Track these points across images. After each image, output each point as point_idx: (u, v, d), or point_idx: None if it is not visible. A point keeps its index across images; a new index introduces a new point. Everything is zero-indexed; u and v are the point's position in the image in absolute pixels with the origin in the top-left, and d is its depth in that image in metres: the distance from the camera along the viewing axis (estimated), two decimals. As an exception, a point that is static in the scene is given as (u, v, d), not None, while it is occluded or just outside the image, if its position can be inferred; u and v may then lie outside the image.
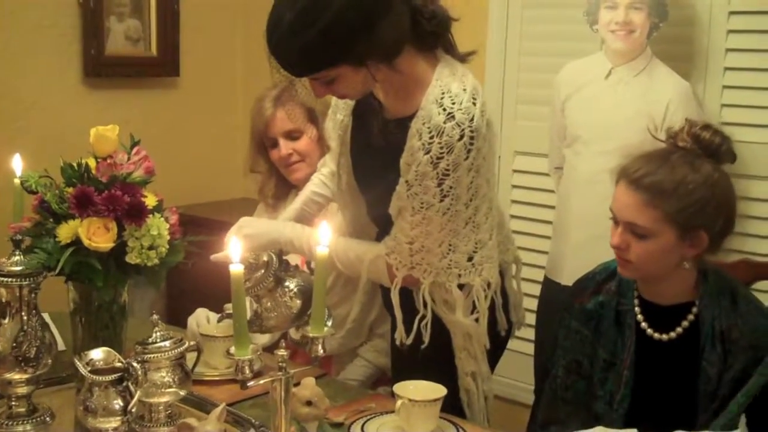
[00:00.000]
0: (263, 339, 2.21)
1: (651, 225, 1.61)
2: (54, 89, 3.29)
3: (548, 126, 2.68)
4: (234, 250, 1.25)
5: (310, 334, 1.34)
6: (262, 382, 1.29)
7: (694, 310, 1.68)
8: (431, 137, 1.64)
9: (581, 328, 1.78)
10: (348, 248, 1.80)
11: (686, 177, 1.60)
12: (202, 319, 1.98)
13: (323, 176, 2.04)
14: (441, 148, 1.64)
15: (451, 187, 1.67)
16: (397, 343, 1.78)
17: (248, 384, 1.28)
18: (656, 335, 1.71)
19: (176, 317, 1.98)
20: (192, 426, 1.23)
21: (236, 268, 1.24)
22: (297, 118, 2.25)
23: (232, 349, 1.27)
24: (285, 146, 2.24)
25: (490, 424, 1.83)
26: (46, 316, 1.67)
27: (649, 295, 1.72)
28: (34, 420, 1.60)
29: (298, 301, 1.76)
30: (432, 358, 1.76)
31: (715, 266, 1.73)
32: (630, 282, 1.74)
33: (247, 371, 1.27)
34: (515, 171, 2.99)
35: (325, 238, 1.33)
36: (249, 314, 1.80)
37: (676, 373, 1.69)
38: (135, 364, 1.47)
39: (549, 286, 2.49)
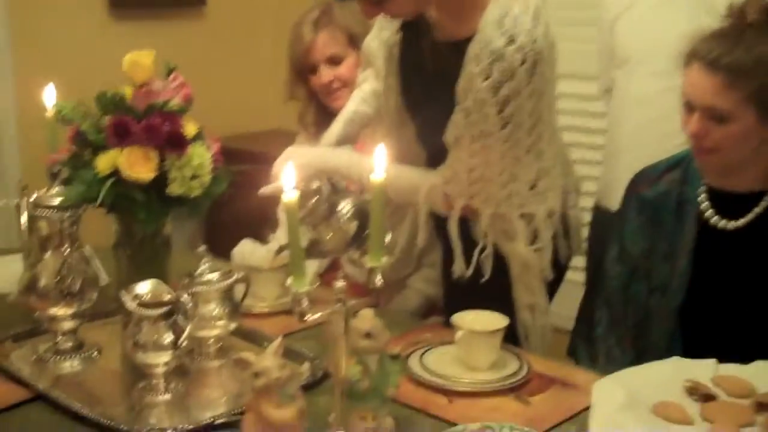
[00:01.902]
0: (313, 266, 2.15)
1: (732, 107, 1.53)
2: (79, 22, 3.21)
3: (595, 48, 2.56)
4: (287, 179, 1.16)
5: (368, 265, 1.27)
6: (319, 316, 1.22)
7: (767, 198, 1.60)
8: (491, 63, 1.54)
9: (636, 216, 1.72)
10: (400, 176, 1.70)
11: (765, 54, 1.52)
12: (248, 250, 1.91)
13: (364, 93, 1.95)
14: (501, 74, 1.54)
15: (512, 115, 1.58)
16: (455, 275, 1.71)
17: (306, 318, 1.21)
18: (721, 224, 1.63)
19: (215, 250, 1.92)
20: (249, 361, 1.17)
21: (290, 197, 1.16)
22: (338, 42, 2.15)
23: (289, 281, 1.20)
24: (326, 72, 2.15)
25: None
26: (88, 250, 1.62)
27: (720, 182, 1.64)
28: (81, 355, 1.57)
29: (354, 223, 1.72)
30: (487, 289, 1.70)
31: None
32: (697, 170, 1.67)
33: (306, 304, 1.20)
34: (559, 95, 2.85)
35: (381, 163, 1.24)
36: (305, 243, 1.75)
37: (743, 266, 1.61)
38: (185, 297, 1.41)
39: (600, 213, 2.40)
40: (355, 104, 1.96)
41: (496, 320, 1.53)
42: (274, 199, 2.27)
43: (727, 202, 1.63)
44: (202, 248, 1.55)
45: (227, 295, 1.55)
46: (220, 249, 2.03)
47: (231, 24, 3.60)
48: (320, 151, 1.85)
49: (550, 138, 1.68)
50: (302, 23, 2.18)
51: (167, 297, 1.42)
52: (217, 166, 1.67)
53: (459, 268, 1.72)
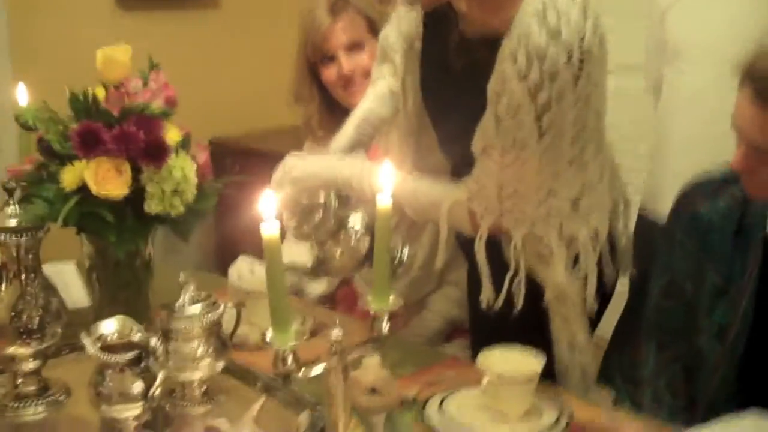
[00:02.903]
0: (320, 288, 1.93)
1: None
2: (86, 15, 3.01)
3: (644, 40, 2.32)
4: (266, 206, 0.94)
5: (372, 308, 1.04)
6: (312, 373, 0.99)
7: None
8: (529, 61, 1.30)
9: (687, 241, 1.46)
10: (419, 191, 1.49)
11: None
12: (244, 270, 1.69)
13: (380, 92, 1.72)
14: (542, 74, 1.30)
15: (552, 122, 1.33)
16: (483, 305, 1.47)
17: (292, 376, 0.98)
18: None
19: (231, 259, 1.73)
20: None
21: (269, 231, 0.93)
22: (358, 27, 1.92)
23: (269, 336, 0.97)
24: (347, 61, 1.91)
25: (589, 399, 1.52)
26: (70, 268, 1.42)
27: None
28: (46, 400, 1.36)
29: (366, 240, 1.53)
30: (520, 320, 1.46)
31: None
32: None
33: (290, 363, 0.97)
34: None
35: (387, 181, 1.01)
36: (310, 262, 1.59)
37: None
38: (154, 341, 1.19)
39: (644, 223, 2.16)
40: (369, 104, 1.72)
41: (530, 361, 1.29)
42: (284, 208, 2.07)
43: None
44: (183, 275, 1.32)
45: (213, 330, 1.33)
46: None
47: (246, 15, 3.39)
48: (327, 161, 1.62)
49: (596, 149, 1.43)
50: (316, 8, 1.94)
51: (137, 336, 1.20)
52: (205, 179, 1.44)
53: (487, 296, 1.48)
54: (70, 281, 1.75)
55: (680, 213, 1.50)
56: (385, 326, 1.04)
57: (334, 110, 1.98)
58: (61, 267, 1.82)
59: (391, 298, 1.05)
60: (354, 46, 1.91)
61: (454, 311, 1.86)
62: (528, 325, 1.46)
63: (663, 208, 2.10)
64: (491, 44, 1.37)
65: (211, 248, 3.21)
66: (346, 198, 1.55)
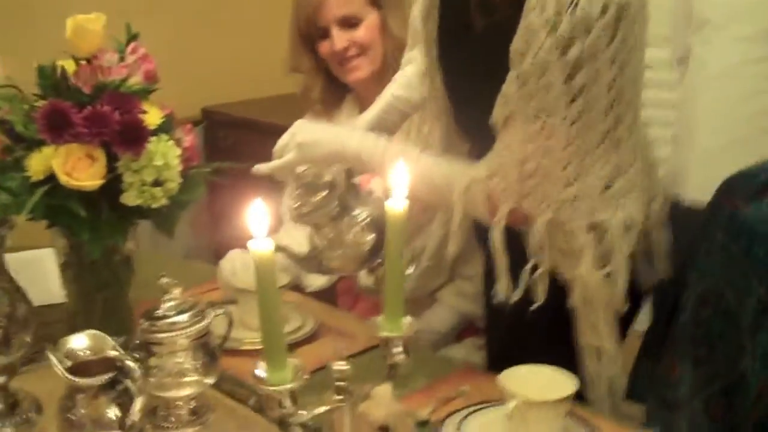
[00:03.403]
0: (319, 280, 1.76)
1: None
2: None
3: (668, 7, 2.13)
4: (257, 218, 0.77)
5: (383, 334, 0.88)
6: (314, 413, 0.83)
7: None
8: (559, 11, 1.14)
9: (730, 244, 1.28)
10: (434, 169, 1.31)
11: None
12: (237, 264, 1.53)
13: (409, 76, 1.54)
14: (573, 27, 1.14)
15: (584, 85, 1.17)
16: (497, 299, 1.30)
17: (291, 423, 0.82)
18: None
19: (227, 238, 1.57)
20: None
21: (261, 247, 0.77)
22: (354, 0, 1.72)
23: (260, 370, 0.81)
24: (340, 37, 1.72)
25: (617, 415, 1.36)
26: (49, 255, 1.25)
27: None
28: (15, 419, 1.20)
29: (370, 236, 1.35)
30: (540, 322, 1.30)
31: None
32: None
33: (288, 405, 0.81)
34: None
35: (401, 181, 0.84)
36: (305, 250, 1.40)
37: None
38: (130, 364, 1.03)
39: (679, 211, 2.00)
40: (395, 89, 1.55)
41: (560, 382, 1.13)
42: (280, 189, 1.90)
43: None
44: (165, 279, 1.16)
45: (201, 341, 1.17)
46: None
47: (240, -26, 3.18)
48: (338, 130, 1.46)
49: (631, 123, 1.26)
50: None
51: (112, 353, 1.04)
52: (191, 165, 1.28)
53: (503, 288, 1.31)
54: (49, 271, 1.59)
55: (721, 209, 1.32)
56: (399, 355, 0.88)
57: (334, 84, 1.80)
58: (39, 254, 1.66)
59: (405, 321, 0.89)
60: (348, 21, 1.72)
61: (468, 307, 1.70)
62: (548, 328, 1.31)
63: (688, 188, 1.95)
64: (516, 2, 1.20)
65: (204, 226, 3.03)
66: (356, 188, 1.39)
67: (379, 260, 1.34)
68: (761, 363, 1.23)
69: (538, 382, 1.13)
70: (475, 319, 1.71)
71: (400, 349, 0.88)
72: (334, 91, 1.81)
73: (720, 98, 1.96)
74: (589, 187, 1.26)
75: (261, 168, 1.40)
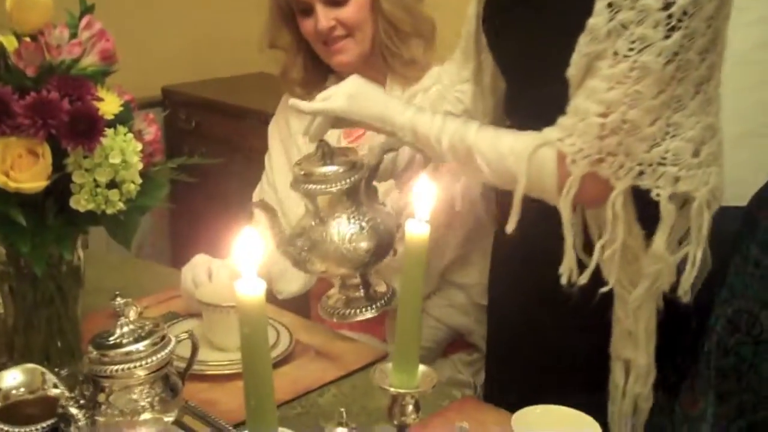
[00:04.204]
0: (293, 286, 1.59)
1: None
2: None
3: None
4: (245, 254, 0.60)
5: (392, 389, 0.71)
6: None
7: None
8: None
9: (763, 259, 1.14)
10: (499, 137, 1.15)
11: None
12: (201, 274, 1.35)
13: (455, 91, 1.40)
14: None
15: (684, 15, 1.02)
16: (563, 280, 1.13)
17: None
18: None
19: (187, 251, 1.39)
20: None
21: (249, 291, 0.60)
22: None
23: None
24: (325, 15, 1.53)
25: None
26: None
27: None
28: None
29: (365, 244, 1.22)
30: (553, 338, 1.19)
31: None
32: None
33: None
34: None
35: (424, 202, 0.68)
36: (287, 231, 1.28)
37: None
38: (73, 410, 0.85)
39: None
40: (448, 103, 1.39)
41: (581, 427, 0.98)
42: (251, 185, 1.72)
43: None
44: (119, 300, 0.98)
45: (161, 372, 1.00)
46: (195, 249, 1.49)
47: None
48: (393, 98, 1.28)
49: (718, 84, 1.12)
50: None
51: (53, 392, 0.87)
52: (153, 161, 1.10)
53: (569, 266, 1.13)
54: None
55: (756, 222, 1.19)
56: (411, 415, 0.72)
57: (316, 64, 1.62)
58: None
59: (421, 370, 0.72)
60: None
61: (457, 318, 1.55)
62: (564, 343, 1.19)
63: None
64: None
65: (165, 217, 2.83)
66: (373, 191, 1.27)
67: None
68: None
69: (556, 425, 0.98)
70: (464, 333, 1.55)
71: (412, 408, 0.72)
72: (316, 71, 1.63)
73: (739, 85, 1.84)
74: (681, 147, 1.09)
75: (299, 104, 1.25)
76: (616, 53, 1.05)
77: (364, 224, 1.22)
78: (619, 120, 1.07)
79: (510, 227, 1.16)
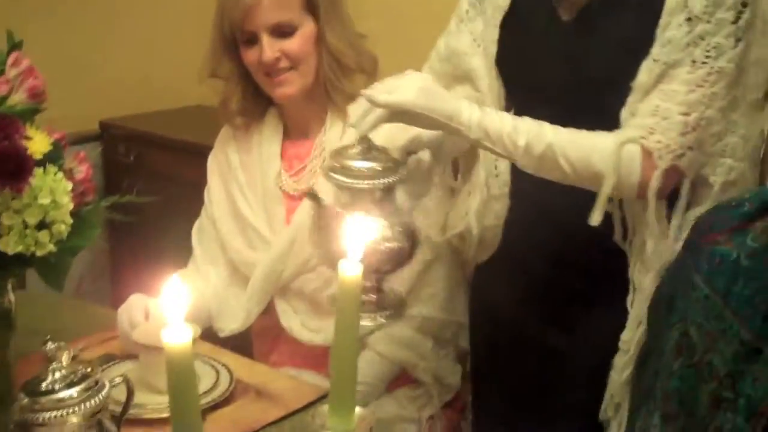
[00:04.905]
0: (233, 323, 1.57)
1: None
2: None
3: None
4: (172, 300, 0.58)
5: (329, 428, 0.70)
6: None
7: None
8: None
9: (704, 285, 1.16)
10: (578, 135, 1.23)
11: None
12: (137, 314, 1.31)
13: None
14: None
15: (748, 25, 1.21)
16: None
17: None
18: None
19: (128, 289, 1.35)
20: None
21: (176, 338, 0.58)
22: (291, 6, 1.52)
23: None
24: (271, 46, 1.51)
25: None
26: None
27: None
28: None
29: (392, 246, 1.19)
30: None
31: None
32: None
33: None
34: None
35: (358, 242, 0.66)
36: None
37: None
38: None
39: None
40: None
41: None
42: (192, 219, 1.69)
43: None
44: (50, 344, 0.95)
45: (95, 419, 0.97)
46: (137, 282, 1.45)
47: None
48: (454, 96, 1.27)
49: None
50: None
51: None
52: (85, 201, 1.07)
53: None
54: None
55: (697, 247, 1.20)
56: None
57: (257, 96, 1.61)
58: None
59: (357, 413, 0.71)
60: (282, 29, 1.52)
61: (401, 353, 1.53)
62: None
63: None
64: None
65: (101, 253, 2.76)
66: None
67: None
68: (743, 418, 1.11)
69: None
70: (408, 368, 1.54)
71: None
72: (255, 102, 1.61)
73: None
74: (734, 144, 1.26)
75: (373, 95, 1.19)
76: (694, 61, 1.20)
77: (394, 227, 1.19)
78: (698, 118, 1.22)
79: (595, 220, 1.25)
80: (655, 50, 1.22)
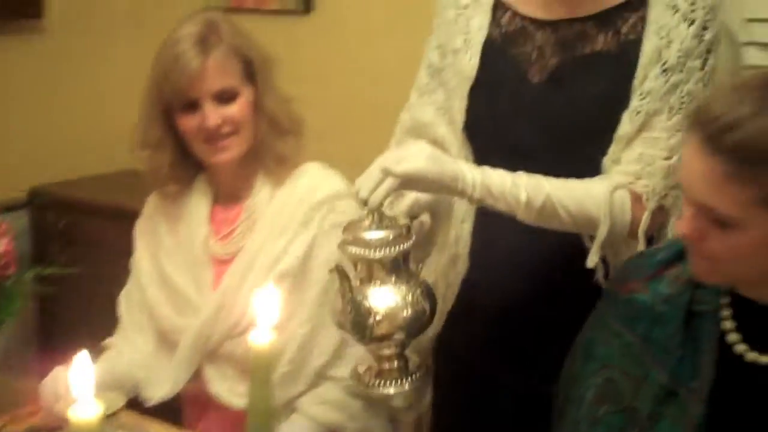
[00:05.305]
0: (160, 390, 1.56)
1: (736, 210, 1.04)
2: None
3: None
4: (79, 376, 0.59)
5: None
6: None
7: None
8: (693, 3, 1.32)
9: (624, 332, 1.22)
10: (571, 186, 1.31)
11: None
12: (60, 386, 1.30)
13: None
14: (705, 13, 1.33)
15: (712, 69, 1.34)
16: None
17: None
18: (751, 355, 1.13)
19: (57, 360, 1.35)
20: None
21: (81, 414, 0.59)
22: (232, 72, 1.55)
23: None
24: (214, 113, 1.54)
25: None
26: None
27: (748, 291, 1.15)
28: None
29: (409, 313, 1.21)
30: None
31: None
32: None
33: None
34: (749, 44, 2.07)
35: (267, 312, 0.68)
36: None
37: (765, 416, 1.12)
38: None
39: None
40: None
41: None
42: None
43: (759, 319, 1.13)
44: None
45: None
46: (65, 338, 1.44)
47: (73, 39, 2.94)
48: (455, 159, 1.33)
49: None
50: (179, 40, 1.54)
51: None
52: (5, 275, 1.07)
53: None
54: None
55: (616, 296, 1.26)
56: None
57: (186, 163, 1.62)
58: None
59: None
60: (225, 95, 1.55)
61: (332, 416, 1.53)
62: None
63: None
64: (606, 19, 1.35)
65: (32, 333, 2.71)
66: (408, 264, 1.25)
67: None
68: None
69: None
70: (338, 430, 1.54)
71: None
72: (186, 169, 1.63)
73: None
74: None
75: (391, 167, 1.21)
76: (671, 108, 1.32)
77: (416, 290, 1.22)
78: (676, 162, 1.31)
79: (592, 261, 1.32)
80: (636, 102, 1.33)
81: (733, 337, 1.15)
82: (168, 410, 1.59)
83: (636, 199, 1.33)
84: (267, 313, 0.71)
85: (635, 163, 1.34)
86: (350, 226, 1.24)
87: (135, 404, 1.50)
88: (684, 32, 1.33)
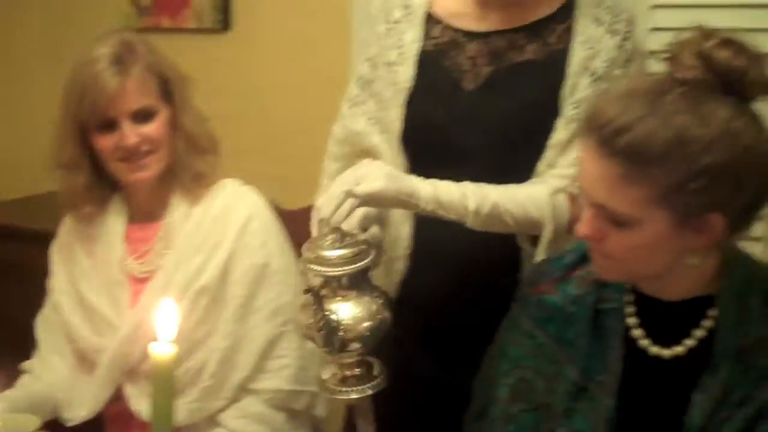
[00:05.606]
0: (81, 411, 1.55)
1: (631, 209, 1.09)
2: None
3: None
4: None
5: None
6: None
7: (712, 312, 1.16)
8: (615, 15, 1.44)
9: (536, 332, 1.28)
10: (514, 192, 1.38)
11: (687, 130, 1.06)
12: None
13: None
14: (627, 25, 1.44)
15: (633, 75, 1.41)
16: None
17: None
18: (654, 349, 1.19)
19: None
20: None
21: None
22: (150, 91, 1.56)
23: None
24: (132, 132, 1.54)
25: None
26: None
27: (649, 288, 1.21)
28: None
29: (370, 324, 1.26)
30: None
31: (744, 252, 1.22)
32: None
33: None
34: (654, 30, 2.05)
35: (167, 326, 0.70)
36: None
37: (670, 406, 1.18)
38: None
39: None
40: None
41: None
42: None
43: (662, 317, 1.19)
44: None
45: None
46: None
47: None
48: (409, 176, 1.38)
49: None
50: (96, 60, 1.53)
51: None
52: None
53: None
54: None
55: (527, 300, 1.31)
56: None
57: (103, 183, 1.62)
58: None
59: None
60: (142, 115, 1.55)
61: (254, 428, 1.53)
62: None
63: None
64: (537, 30, 1.43)
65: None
66: (370, 278, 1.29)
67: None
68: None
69: None
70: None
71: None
72: (101, 188, 1.62)
73: None
74: None
75: (354, 189, 1.26)
76: None
77: (377, 300, 1.26)
78: None
79: (539, 258, 1.39)
80: (569, 110, 1.40)
81: (636, 332, 1.20)
82: (90, 429, 1.58)
83: (573, 200, 1.40)
84: (166, 325, 0.73)
85: (571, 166, 1.40)
86: (311, 245, 1.27)
87: (56, 425, 1.49)
88: (609, 43, 1.42)
